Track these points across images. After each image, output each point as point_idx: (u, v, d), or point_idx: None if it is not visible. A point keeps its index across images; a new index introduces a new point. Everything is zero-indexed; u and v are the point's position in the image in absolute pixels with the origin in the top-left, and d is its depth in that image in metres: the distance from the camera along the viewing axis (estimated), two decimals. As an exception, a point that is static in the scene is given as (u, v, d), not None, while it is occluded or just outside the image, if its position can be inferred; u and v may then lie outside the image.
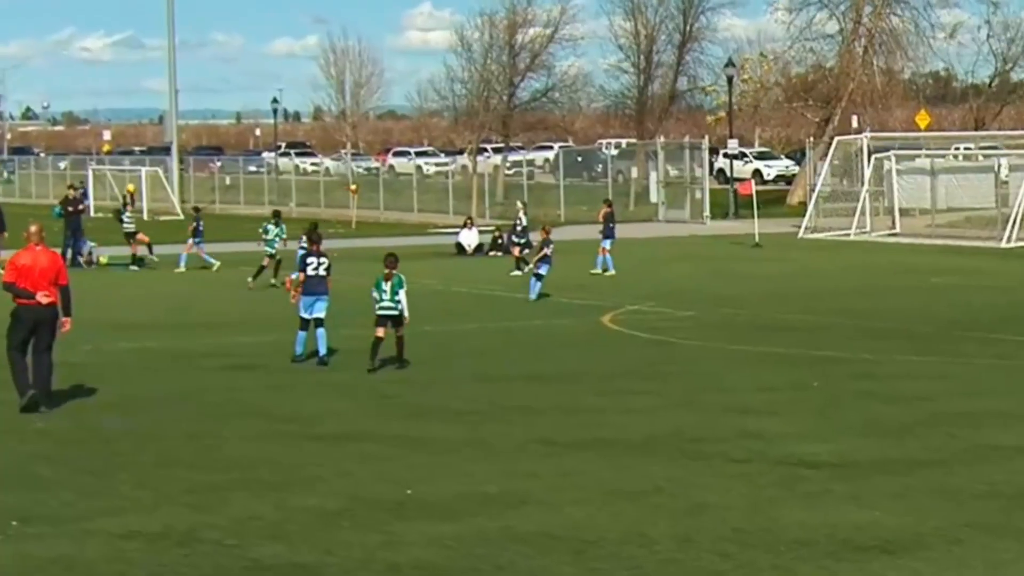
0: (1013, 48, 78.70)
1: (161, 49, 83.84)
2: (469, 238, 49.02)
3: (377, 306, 22.98)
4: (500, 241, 50.36)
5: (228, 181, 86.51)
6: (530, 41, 78.06)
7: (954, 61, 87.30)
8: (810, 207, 58.58)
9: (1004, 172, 54.90)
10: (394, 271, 22.95)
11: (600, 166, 79.19)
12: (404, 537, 12.95)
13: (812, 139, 69.97)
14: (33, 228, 19.69)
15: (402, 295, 22.90)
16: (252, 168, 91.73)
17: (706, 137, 69.24)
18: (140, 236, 44.67)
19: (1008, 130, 73.09)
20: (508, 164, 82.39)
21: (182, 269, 42.03)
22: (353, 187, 68.31)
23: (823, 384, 21.23)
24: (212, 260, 42.28)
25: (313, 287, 24.05)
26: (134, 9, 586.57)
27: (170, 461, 16.26)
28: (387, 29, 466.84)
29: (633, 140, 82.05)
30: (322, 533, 13.13)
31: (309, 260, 24.24)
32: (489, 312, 31.71)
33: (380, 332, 22.87)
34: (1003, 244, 49.42)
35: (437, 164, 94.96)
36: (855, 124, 72.62)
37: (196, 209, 46.79)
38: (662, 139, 70.62)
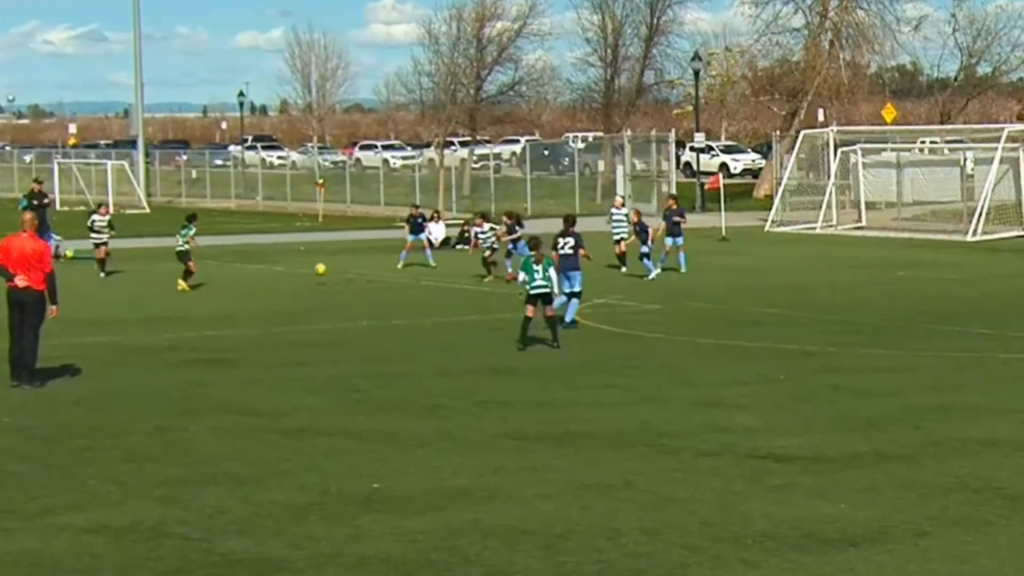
0: (979, 42, 79.09)
1: (125, 43, 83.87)
2: (436, 232, 49.00)
3: (529, 286, 24.63)
4: (467, 235, 50.32)
5: (194, 174, 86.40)
6: (498, 35, 78.01)
7: (920, 55, 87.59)
8: (777, 200, 58.74)
9: (970, 166, 55.15)
10: (543, 253, 24.99)
11: (567, 160, 79.22)
12: (372, 531, 12.94)
13: (778, 133, 70.15)
14: (27, 216, 21.81)
15: (552, 273, 24.86)
16: (218, 161, 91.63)
17: (673, 131, 69.37)
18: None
19: (974, 124, 73.47)
20: (475, 158, 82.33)
21: (432, 264, 40.81)
22: (320, 181, 68.29)
23: (792, 378, 21.27)
24: (431, 259, 41.19)
25: (563, 265, 26.69)
26: (98, 2, 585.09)
27: (138, 455, 16.22)
28: (351, 23, 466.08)
29: (600, 134, 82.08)
30: (290, 527, 13.12)
31: (558, 241, 27.31)
32: (457, 306, 31.71)
33: (530, 311, 24.71)
34: (969, 237, 49.60)
35: (404, 158, 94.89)
36: (821, 118, 72.86)
37: (415, 206, 45.74)
38: (629, 133, 70.71)
